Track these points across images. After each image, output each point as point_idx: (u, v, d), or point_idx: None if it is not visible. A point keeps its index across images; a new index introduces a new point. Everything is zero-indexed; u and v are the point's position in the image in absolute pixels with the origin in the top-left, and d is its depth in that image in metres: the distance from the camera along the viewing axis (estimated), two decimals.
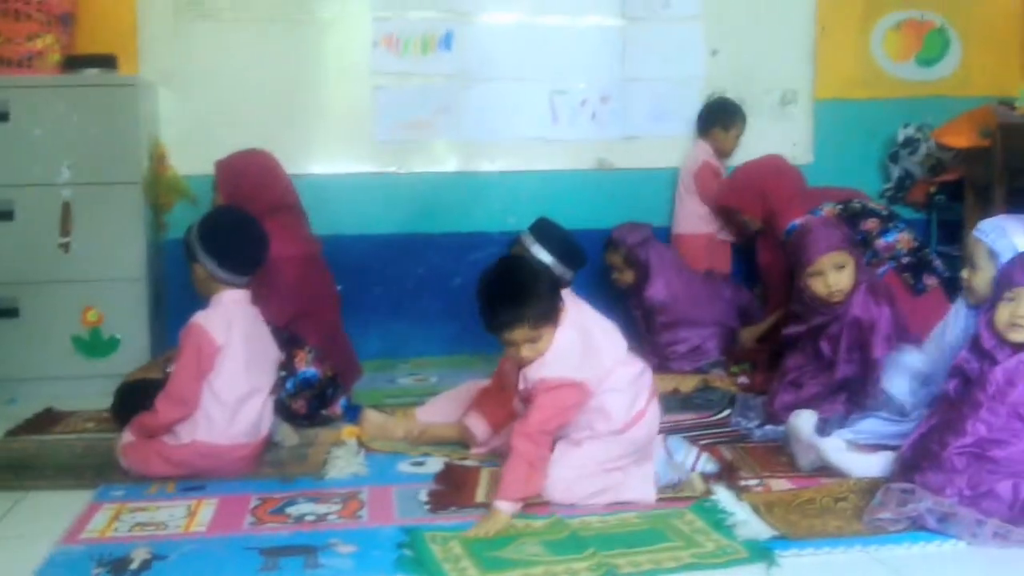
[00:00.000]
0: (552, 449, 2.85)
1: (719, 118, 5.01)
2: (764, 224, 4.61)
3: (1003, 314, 2.70)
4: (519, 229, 3.70)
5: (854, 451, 3.04)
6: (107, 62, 4.55)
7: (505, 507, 2.71)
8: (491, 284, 2.84)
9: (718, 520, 2.69)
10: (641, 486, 2.89)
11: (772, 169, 4.67)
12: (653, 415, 2.98)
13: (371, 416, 3.57)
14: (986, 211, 4.37)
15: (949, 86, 5.26)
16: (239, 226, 3.34)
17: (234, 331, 3.20)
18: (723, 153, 5.02)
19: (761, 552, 2.49)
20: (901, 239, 4.19)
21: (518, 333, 2.80)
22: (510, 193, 4.99)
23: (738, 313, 4.67)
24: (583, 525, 2.69)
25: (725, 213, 4.84)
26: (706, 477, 3.02)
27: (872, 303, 3.42)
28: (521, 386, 2.90)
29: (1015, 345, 2.69)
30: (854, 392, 3.36)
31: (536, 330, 2.81)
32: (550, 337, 2.84)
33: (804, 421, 3.13)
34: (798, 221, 4.16)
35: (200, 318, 3.20)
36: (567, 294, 2.99)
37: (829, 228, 3.57)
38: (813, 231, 3.55)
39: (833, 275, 3.43)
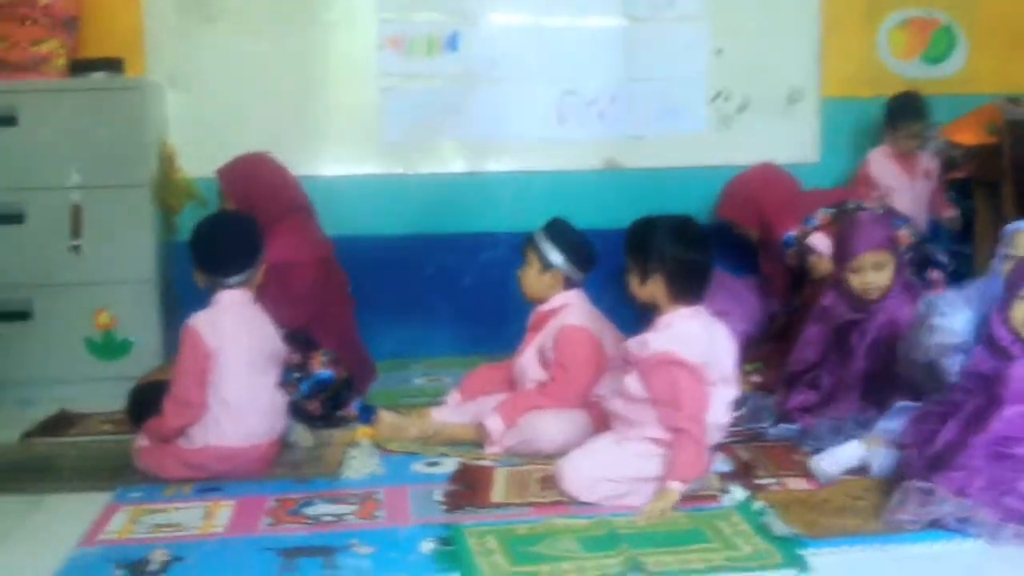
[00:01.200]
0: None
1: (889, 118, 4.87)
2: (761, 235, 4.60)
3: (1019, 312, 2.71)
4: (528, 230, 3.71)
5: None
6: (114, 65, 4.54)
7: (677, 487, 2.77)
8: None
9: (760, 523, 2.68)
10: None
11: (762, 180, 4.63)
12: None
13: (386, 417, 3.58)
14: (996, 208, 4.38)
15: (956, 84, 5.24)
16: (219, 230, 3.34)
17: (232, 331, 3.19)
18: (901, 153, 4.87)
19: (794, 558, 2.47)
20: (900, 236, 4.18)
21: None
22: (518, 194, 4.98)
23: (764, 317, 4.60)
24: (626, 523, 2.69)
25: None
26: (722, 476, 3.02)
27: (907, 302, 3.40)
28: (634, 349, 2.94)
29: None
30: (873, 390, 3.36)
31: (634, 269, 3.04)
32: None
33: (828, 465, 3.04)
34: (792, 233, 4.18)
35: (194, 320, 3.20)
36: (577, 295, 3.46)
37: (875, 226, 3.56)
38: (860, 227, 3.54)
39: (871, 273, 3.40)
